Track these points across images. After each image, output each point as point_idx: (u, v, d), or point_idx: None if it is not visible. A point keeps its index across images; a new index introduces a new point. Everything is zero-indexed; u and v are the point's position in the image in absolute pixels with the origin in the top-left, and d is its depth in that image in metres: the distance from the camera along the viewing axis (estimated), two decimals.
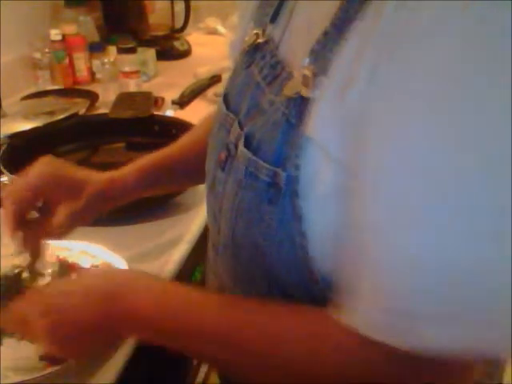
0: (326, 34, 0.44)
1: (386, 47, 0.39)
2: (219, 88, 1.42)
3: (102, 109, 1.40)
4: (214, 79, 1.48)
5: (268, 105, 0.50)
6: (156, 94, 1.41)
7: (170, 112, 1.37)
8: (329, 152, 0.43)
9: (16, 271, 0.77)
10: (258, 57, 0.55)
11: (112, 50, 1.64)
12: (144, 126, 1.20)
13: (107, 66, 1.53)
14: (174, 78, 1.68)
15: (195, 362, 1.13)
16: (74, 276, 0.65)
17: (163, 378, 0.95)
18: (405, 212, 0.40)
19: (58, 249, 0.80)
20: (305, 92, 0.45)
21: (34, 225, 0.70)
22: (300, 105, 0.45)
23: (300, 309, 0.49)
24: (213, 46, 1.97)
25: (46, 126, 1.17)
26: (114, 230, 0.90)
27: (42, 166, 0.70)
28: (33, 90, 1.55)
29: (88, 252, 0.81)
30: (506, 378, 0.67)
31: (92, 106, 1.42)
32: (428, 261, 0.39)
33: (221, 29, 2.16)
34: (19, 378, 0.62)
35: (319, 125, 0.44)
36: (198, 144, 0.75)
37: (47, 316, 0.55)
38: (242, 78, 0.58)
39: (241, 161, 0.51)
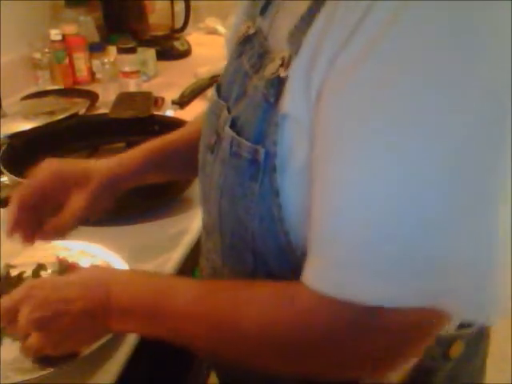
0: (301, 18, 0.48)
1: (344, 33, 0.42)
2: None
3: (102, 109, 1.40)
4: (214, 79, 1.47)
5: (252, 89, 0.54)
6: (156, 94, 1.41)
7: (169, 112, 1.37)
8: (302, 126, 0.46)
9: (17, 272, 0.77)
10: (248, 47, 0.59)
11: (112, 49, 1.64)
12: (144, 126, 1.20)
13: (107, 66, 1.53)
14: (173, 78, 1.68)
15: (195, 363, 1.13)
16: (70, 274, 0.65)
17: (163, 378, 0.95)
18: (349, 168, 0.42)
19: (57, 249, 0.80)
20: (281, 72, 0.49)
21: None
22: (277, 85, 0.49)
23: (271, 282, 0.51)
24: (213, 46, 1.97)
25: (46, 126, 1.17)
26: (114, 230, 0.90)
27: (44, 167, 0.71)
28: (33, 90, 1.55)
29: (88, 252, 0.81)
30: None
31: (92, 106, 1.42)
32: (370, 215, 0.42)
33: (221, 29, 2.16)
34: (19, 378, 0.62)
35: (292, 101, 0.47)
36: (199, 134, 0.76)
37: (37, 310, 0.57)
38: (233, 67, 0.61)
39: (226, 141, 0.54)
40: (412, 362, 0.55)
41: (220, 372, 0.76)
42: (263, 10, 0.59)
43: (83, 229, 0.74)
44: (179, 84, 1.46)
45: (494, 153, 0.40)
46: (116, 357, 0.68)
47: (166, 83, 1.64)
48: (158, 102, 1.42)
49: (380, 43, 0.40)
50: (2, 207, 0.93)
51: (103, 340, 0.66)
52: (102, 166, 0.73)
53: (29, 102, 1.42)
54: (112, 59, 1.55)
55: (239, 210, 0.53)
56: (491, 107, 0.39)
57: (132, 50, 1.52)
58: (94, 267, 0.63)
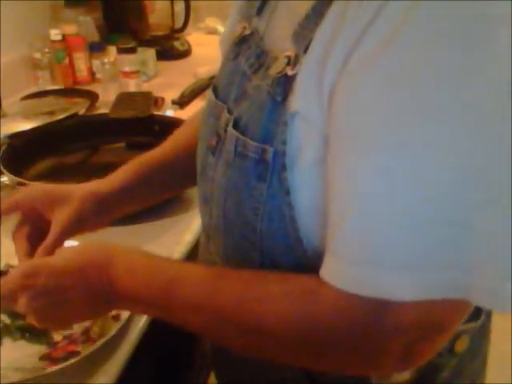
0: (307, 17, 0.48)
1: (357, 31, 0.42)
2: None
3: (102, 109, 1.40)
4: (214, 79, 1.47)
5: (253, 90, 0.53)
6: (156, 94, 1.40)
7: (169, 112, 1.37)
8: (312, 124, 0.46)
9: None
10: (245, 48, 0.58)
11: (112, 49, 1.64)
12: (144, 126, 1.20)
13: (107, 66, 1.53)
14: (174, 78, 1.68)
15: (195, 363, 1.13)
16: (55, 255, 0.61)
17: (163, 378, 0.96)
18: (370, 170, 0.42)
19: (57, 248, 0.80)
20: (289, 71, 0.48)
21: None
22: (284, 83, 0.49)
23: (288, 274, 0.50)
24: (213, 46, 1.95)
25: (46, 126, 1.17)
26: (114, 230, 0.90)
27: (27, 190, 0.72)
28: (33, 90, 1.55)
29: None
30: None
31: (92, 106, 1.42)
32: (388, 210, 0.42)
33: (221, 29, 2.16)
34: (19, 378, 0.62)
35: (302, 98, 0.47)
36: (189, 142, 0.75)
37: (35, 301, 0.56)
38: (230, 68, 0.61)
39: (230, 142, 0.54)
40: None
41: (219, 372, 0.76)
42: (259, 11, 0.59)
43: None
44: (179, 84, 1.46)
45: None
46: (116, 357, 0.68)
47: (166, 83, 1.64)
48: (158, 101, 1.42)
49: (392, 42, 0.40)
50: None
51: (103, 340, 0.66)
52: (88, 184, 0.72)
53: (29, 102, 1.42)
54: (112, 59, 1.55)
55: (246, 210, 0.53)
56: (505, 104, 0.39)
57: (132, 50, 1.52)
58: (90, 248, 0.58)
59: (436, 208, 0.41)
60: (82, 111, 1.30)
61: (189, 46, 1.95)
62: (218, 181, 0.57)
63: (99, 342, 0.65)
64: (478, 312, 0.59)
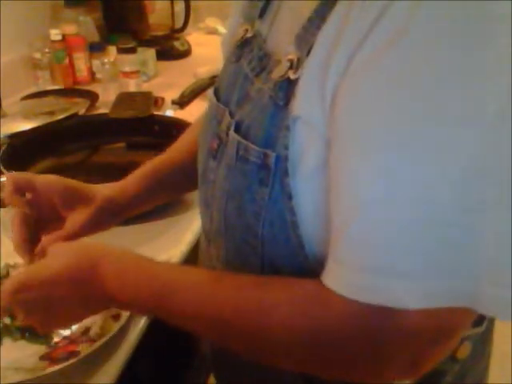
0: (309, 20, 0.47)
1: (360, 34, 0.42)
2: None
3: (102, 109, 1.40)
4: (214, 79, 1.46)
5: (256, 93, 0.53)
6: (156, 94, 1.40)
7: (169, 112, 1.37)
8: (315, 128, 0.46)
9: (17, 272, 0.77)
10: (247, 50, 0.58)
11: (112, 49, 1.64)
12: (144, 126, 1.20)
13: (107, 66, 1.53)
14: (174, 78, 1.68)
15: (195, 363, 1.13)
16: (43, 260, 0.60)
17: (163, 378, 0.96)
18: (372, 172, 0.42)
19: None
20: (291, 74, 0.48)
21: (41, 230, 0.69)
22: (287, 87, 0.48)
23: (290, 280, 0.50)
24: (213, 46, 1.95)
25: (46, 126, 1.17)
26: (114, 230, 0.89)
27: (52, 178, 0.70)
28: (33, 90, 1.55)
29: None
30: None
31: (92, 106, 1.42)
32: (398, 217, 0.41)
33: (221, 29, 2.16)
34: (19, 378, 0.62)
35: (304, 102, 0.46)
36: (195, 146, 0.76)
37: (31, 314, 0.58)
38: (232, 71, 0.60)
39: (231, 146, 0.53)
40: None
41: (219, 374, 0.76)
42: (262, 13, 0.58)
43: None
44: (179, 84, 1.46)
45: None
46: (116, 357, 0.68)
47: (166, 83, 1.64)
48: (158, 101, 1.42)
49: (394, 44, 0.40)
50: (2, 207, 0.93)
51: (103, 340, 0.66)
52: (105, 189, 0.73)
53: (29, 101, 1.42)
54: (112, 59, 1.55)
55: (247, 215, 0.52)
56: (505, 104, 0.39)
57: (132, 50, 1.52)
58: (79, 253, 0.57)
59: (437, 212, 0.41)
60: (82, 111, 1.30)
61: (189, 46, 1.95)
62: (219, 184, 0.56)
63: (99, 342, 0.65)
64: (481, 318, 0.59)
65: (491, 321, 0.62)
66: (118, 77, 1.51)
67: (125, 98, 1.32)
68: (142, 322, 0.73)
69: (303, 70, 0.46)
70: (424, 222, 0.41)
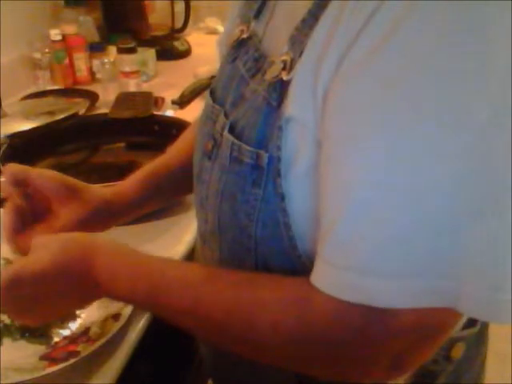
0: (303, 21, 0.47)
1: (352, 33, 0.42)
2: None
3: (102, 109, 1.40)
4: (214, 79, 1.48)
5: (250, 94, 0.53)
6: (156, 93, 1.40)
7: (169, 112, 1.37)
8: (307, 129, 0.46)
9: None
10: (243, 51, 0.58)
11: (112, 49, 1.64)
12: (144, 126, 1.20)
13: (107, 66, 1.53)
14: (173, 78, 1.68)
15: (195, 363, 1.13)
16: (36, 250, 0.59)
17: (163, 378, 0.95)
18: (359, 173, 0.42)
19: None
20: (284, 75, 0.48)
21: (32, 224, 0.70)
22: (280, 88, 0.48)
23: (280, 279, 0.50)
24: (213, 46, 1.94)
25: (46, 126, 1.17)
26: (114, 230, 0.90)
27: (45, 173, 0.71)
28: (33, 89, 1.55)
29: None
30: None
31: (92, 106, 1.42)
32: (380, 218, 0.41)
33: (221, 29, 2.16)
34: (19, 378, 0.62)
35: (296, 103, 0.46)
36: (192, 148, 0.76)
37: (24, 314, 0.59)
38: (228, 71, 0.60)
39: (225, 147, 0.54)
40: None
41: (216, 378, 0.76)
42: (257, 13, 0.58)
43: None
44: (179, 84, 1.46)
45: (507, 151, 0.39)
46: (116, 357, 0.68)
47: (166, 83, 1.64)
48: (158, 101, 1.42)
49: (384, 46, 0.40)
50: (2, 207, 0.93)
51: (103, 340, 0.66)
52: (102, 192, 0.73)
53: (29, 102, 1.42)
54: (112, 59, 1.55)
55: (240, 215, 0.52)
56: (499, 111, 0.39)
57: (132, 50, 1.52)
58: (71, 245, 0.57)
59: (425, 215, 0.41)
60: (82, 111, 1.30)
61: (189, 46, 1.95)
62: (214, 185, 0.57)
63: (99, 342, 0.65)
64: (474, 319, 0.58)
65: (485, 322, 0.62)
66: (118, 77, 1.51)
67: (125, 98, 1.32)
68: (141, 322, 0.73)
69: (296, 71, 0.47)
70: (410, 224, 0.41)
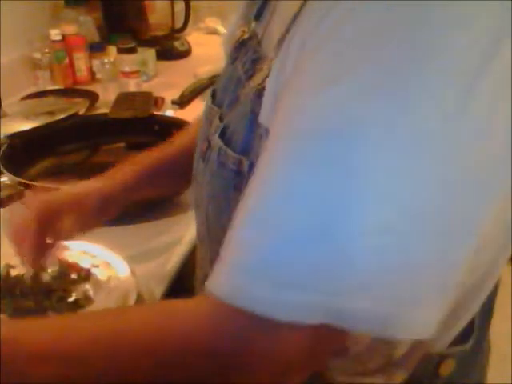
0: (287, 28, 0.46)
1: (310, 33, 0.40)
2: None
3: (102, 109, 1.40)
4: (214, 79, 1.46)
5: (244, 97, 0.52)
6: (156, 93, 1.40)
7: (169, 112, 1.38)
8: None
9: (17, 272, 0.77)
10: (243, 52, 0.57)
11: (112, 49, 1.64)
12: (144, 126, 1.20)
13: (107, 66, 1.53)
14: (174, 77, 1.68)
15: None
16: None
17: None
18: (271, 178, 0.40)
19: (58, 249, 0.80)
20: (266, 83, 0.47)
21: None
22: (262, 96, 0.47)
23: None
24: (213, 46, 1.96)
25: (46, 126, 1.17)
26: (114, 230, 0.90)
27: (33, 203, 0.71)
28: (33, 90, 1.55)
29: (88, 252, 0.81)
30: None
31: (92, 106, 1.42)
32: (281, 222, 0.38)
33: (221, 29, 2.16)
34: None
35: (265, 112, 0.46)
36: (193, 143, 0.76)
37: None
38: (228, 72, 0.60)
39: (214, 150, 0.53)
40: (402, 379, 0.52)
41: None
42: (258, 14, 0.57)
43: None
44: (179, 84, 1.46)
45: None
46: None
47: (166, 83, 1.64)
48: (158, 101, 1.42)
49: (324, 44, 0.38)
50: (2, 207, 0.93)
51: None
52: (93, 188, 0.73)
53: (29, 102, 1.42)
54: (112, 59, 1.55)
55: (225, 220, 0.50)
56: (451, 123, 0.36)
57: (132, 50, 1.52)
58: None
59: (312, 227, 0.37)
60: (82, 111, 1.30)
61: (189, 45, 1.94)
62: (205, 188, 0.57)
63: None
64: (465, 335, 0.55)
65: (479, 342, 0.58)
66: (118, 77, 1.51)
67: (125, 98, 1.32)
68: None
69: (269, 77, 0.46)
70: (299, 235, 0.38)
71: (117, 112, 1.23)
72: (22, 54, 1.56)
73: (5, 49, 1.46)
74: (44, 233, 0.69)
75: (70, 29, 1.60)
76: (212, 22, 2.21)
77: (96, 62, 1.64)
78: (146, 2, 1.89)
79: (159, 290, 0.80)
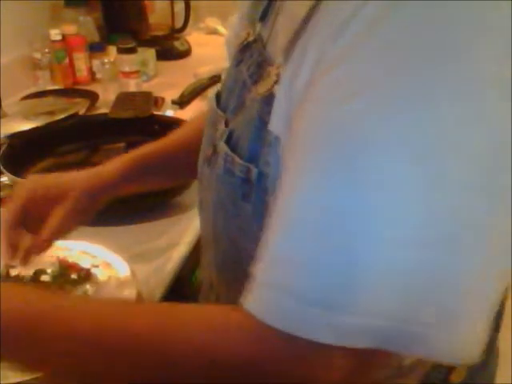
0: (296, 33, 0.44)
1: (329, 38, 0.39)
2: None
3: (102, 109, 1.40)
4: (214, 79, 1.47)
5: (250, 102, 0.51)
6: (156, 93, 1.41)
7: (169, 112, 1.37)
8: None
9: (17, 272, 0.77)
10: (248, 55, 0.55)
11: (112, 49, 1.63)
12: (144, 126, 1.20)
13: (107, 66, 1.53)
14: (174, 78, 1.68)
15: None
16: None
17: None
18: (303, 191, 0.39)
19: (58, 249, 0.80)
20: (275, 89, 0.46)
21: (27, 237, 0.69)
22: (271, 102, 0.46)
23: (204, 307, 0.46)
24: (213, 46, 1.96)
25: (46, 126, 1.17)
26: (114, 230, 0.90)
27: (26, 185, 0.71)
28: (33, 90, 1.55)
29: (88, 252, 0.81)
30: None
31: (92, 106, 1.41)
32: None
33: (221, 29, 2.16)
34: (19, 378, 0.62)
35: (275, 119, 0.45)
36: (188, 139, 0.75)
37: None
38: (232, 76, 0.59)
39: (220, 156, 0.52)
40: None
41: None
42: (263, 16, 0.55)
43: (83, 229, 0.74)
44: (179, 84, 1.46)
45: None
46: None
47: (166, 83, 1.64)
48: (158, 101, 1.42)
49: (348, 56, 0.37)
50: (2, 207, 0.94)
51: None
52: (81, 178, 0.72)
53: (29, 101, 1.42)
54: (112, 59, 1.55)
55: (232, 228, 0.51)
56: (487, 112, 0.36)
57: (132, 50, 1.52)
58: None
59: (355, 248, 0.37)
60: (82, 111, 1.30)
61: (189, 45, 1.94)
62: (210, 192, 0.56)
63: None
64: None
65: (492, 343, 0.59)
66: (118, 77, 1.51)
67: (125, 98, 1.32)
68: None
69: (279, 83, 0.44)
70: (342, 256, 0.37)
71: (117, 112, 1.23)
72: (21, 54, 1.56)
73: (5, 49, 1.46)
74: (19, 223, 0.68)
75: (70, 29, 1.60)
76: (212, 22, 2.20)
77: (96, 62, 1.64)
78: (146, 2, 1.89)
79: (159, 290, 0.80)
